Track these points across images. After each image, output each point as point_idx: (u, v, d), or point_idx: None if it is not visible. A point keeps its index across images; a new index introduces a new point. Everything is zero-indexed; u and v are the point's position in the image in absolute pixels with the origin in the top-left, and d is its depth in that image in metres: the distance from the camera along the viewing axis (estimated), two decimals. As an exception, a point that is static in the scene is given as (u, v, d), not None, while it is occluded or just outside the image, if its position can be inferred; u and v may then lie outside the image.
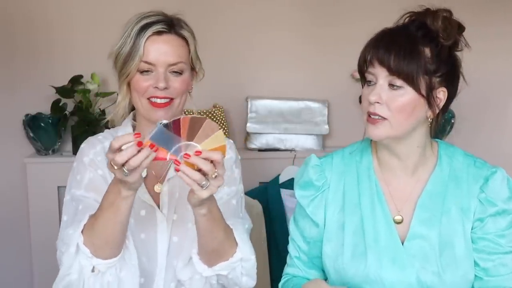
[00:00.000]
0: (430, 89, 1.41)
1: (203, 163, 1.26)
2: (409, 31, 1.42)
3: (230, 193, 1.61)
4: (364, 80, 1.48)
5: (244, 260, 1.48)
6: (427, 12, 1.44)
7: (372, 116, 1.42)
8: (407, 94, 1.40)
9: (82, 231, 1.40)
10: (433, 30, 1.42)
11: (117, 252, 1.43)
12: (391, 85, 1.41)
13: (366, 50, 1.44)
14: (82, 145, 1.62)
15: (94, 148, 1.59)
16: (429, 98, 1.42)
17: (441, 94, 1.44)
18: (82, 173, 1.56)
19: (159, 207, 1.58)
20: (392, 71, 1.39)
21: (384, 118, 1.41)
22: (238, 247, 1.47)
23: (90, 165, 1.56)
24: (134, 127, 1.64)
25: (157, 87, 1.51)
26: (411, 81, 1.39)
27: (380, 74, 1.41)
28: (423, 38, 1.41)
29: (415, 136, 1.47)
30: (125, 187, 1.32)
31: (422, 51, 1.40)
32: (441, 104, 1.45)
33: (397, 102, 1.40)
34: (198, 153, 1.26)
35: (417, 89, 1.40)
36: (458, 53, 1.48)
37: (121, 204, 1.35)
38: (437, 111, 1.45)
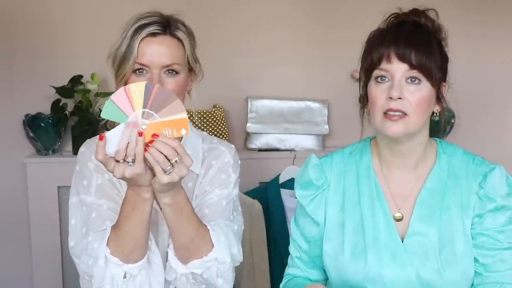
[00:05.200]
0: (440, 82, 1.44)
1: (163, 146, 1.30)
2: (417, 26, 1.43)
3: (221, 195, 1.59)
4: (366, 79, 1.47)
5: (219, 262, 1.48)
6: (415, 12, 1.46)
7: (392, 113, 1.41)
8: (424, 89, 1.41)
9: (107, 244, 1.43)
10: (430, 28, 1.44)
11: (145, 252, 1.46)
12: (409, 81, 1.41)
13: (379, 47, 1.43)
14: (82, 149, 1.62)
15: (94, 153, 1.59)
16: (439, 92, 1.44)
17: (443, 89, 1.47)
18: (88, 179, 1.56)
19: (160, 209, 1.58)
20: (413, 66, 1.40)
21: (405, 114, 1.41)
22: (214, 248, 1.47)
23: (96, 171, 1.56)
24: None
25: None
26: (430, 76, 1.41)
27: (398, 70, 1.41)
28: (430, 34, 1.44)
29: (423, 132, 1.49)
30: (142, 189, 1.35)
31: (434, 45, 1.42)
32: (444, 98, 1.48)
33: (416, 96, 1.41)
34: (155, 136, 1.30)
35: (433, 83, 1.41)
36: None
37: (143, 206, 1.39)
38: (444, 105, 1.47)
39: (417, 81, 1.41)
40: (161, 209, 1.44)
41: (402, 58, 1.40)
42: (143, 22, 1.52)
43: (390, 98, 1.40)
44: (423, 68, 1.40)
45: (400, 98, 1.40)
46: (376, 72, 1.44)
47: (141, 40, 1.51)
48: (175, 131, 1.33)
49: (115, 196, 1.55)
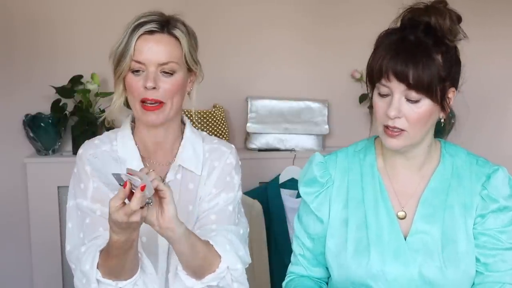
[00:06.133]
0: (444, 94, 1.42)
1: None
2: (420, 40, 1.40)
3: (227, 200, 1.60)
4: (371, 86, 1.47)
5: (232, 269, 1.49)
6: (428, 8, 1.43)
7: (391, 129, 1.43)
8: (424, 105, 1.41)
9: (97, 267, 1.43)
10: (439, 31, 1.41)
11: (136, 270, 1.46)
12: (409, 99, 1.40)
13: (381, 63, 1.41)
14: (80, 151, 1.61)
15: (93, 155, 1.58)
16: (443, 103, 1.43)
17: (451, 94, 1.46)
18: (85, 182, 1.56)
19: None
20: (411, 86, 1.39)
21: (403, 130, 1.42)
22: (222, 258, 1.47)
23: (93, 175, 1.56)
24: (133, 129, 1.64)
25: (146, 87, 1.50)
26: (430, 93, 1.40)
27: (397, 88, 1.40)
28: (434, 46, 1.40)
29: (426, 138, 1.50)
30: (135, 231, 1.37)
31: (435, 59, 1.40)
32: (451, 102, 1.47)
33: (415, 114, 1.41)
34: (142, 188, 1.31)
35: (434, 99, 1.41)
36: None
37: (133, 243, 1.39)
38: (449, 110, 1.47)
39: (415, 99, 1.40)
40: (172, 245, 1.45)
41: (400, 78, 1.39)
42: (141, 20, 1.52)
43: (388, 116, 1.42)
44: (423, 88, 1.39)
45: (398, 117, 1.41)
46: (378, 86, 1.44)
47: (138, 37, 1.50)
48: None
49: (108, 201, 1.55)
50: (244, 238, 1.61)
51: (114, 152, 1.60)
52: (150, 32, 1.51)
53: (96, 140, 1.63)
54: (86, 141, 1.64)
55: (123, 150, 1.59)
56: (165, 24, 1.54)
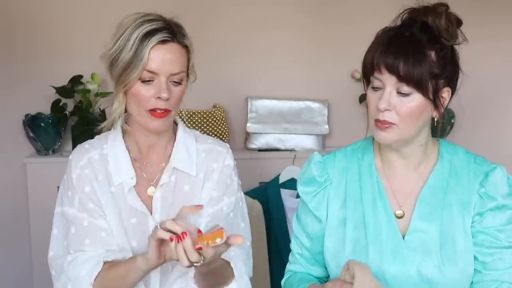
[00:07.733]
0: (436, 91, 1.43)
1: (191, 253, 1.29)
2: (414, 35, 1.42)
3: (230, 205, 1.60)
4: (367, 82, 1.48)
5: None
6: (426, 9, 1.45)
7: (381, 122, 1.43)
8: (415, 100, 1.41)
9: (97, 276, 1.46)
10: (435, 30, 1.43)
11: None
12: (400, 92, 1.41)
13: (373, 55, 1.43)
14: (71, 157, 1.60)
15: (81, 160, 1.58)
16: (436, 101, 1.43)
17: (446, 94, 1.46)
18: (72, 191, 1.56)
19: (151, 213, 1.56)
20: (401, 79, 1.40)
21: (393, 124, 1.43)
22: (235, 280, 1.49)
23: (78, 184, 1.55)
24: (124, 131, 1.62)
25: (159, 97, 1.48)
26: (420, 88, 1.40)
27: (388, 81, 1.41)
28: (428, 42, 1.41)
29: (420, 136, 1.49)
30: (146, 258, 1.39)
31: (428, 55, 1.41)
32: (446, 103, 1.48)
33: (405, 108, 1.41)
34: (199, 248, 1.30)
35: (425, 94, 1.41)
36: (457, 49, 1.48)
37: (136, 272, 1.43)
38: (443, 110, 1.47)
39: (406, 93, 1.41)
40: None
41: (391, 70, 1.40)
42: (150, 27, 1.49)
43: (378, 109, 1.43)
44: (412, 81, 1.39)
45: (387, 110, 1.42)
46: (372, 79, 1.45)
47: (152, 47, 1.47)
48: (210, 242, 1.32)
49: (93, 212, 1.53)
50: (250, 250, 1.64)
51: (104, 155, 1.59)
52: (163, 41, 1.48)
53: (86, 144, 1.62)
54: (78, 146, 1.62)
55: (113, 153, 1.58)
56: (173, 32, 1.51)
